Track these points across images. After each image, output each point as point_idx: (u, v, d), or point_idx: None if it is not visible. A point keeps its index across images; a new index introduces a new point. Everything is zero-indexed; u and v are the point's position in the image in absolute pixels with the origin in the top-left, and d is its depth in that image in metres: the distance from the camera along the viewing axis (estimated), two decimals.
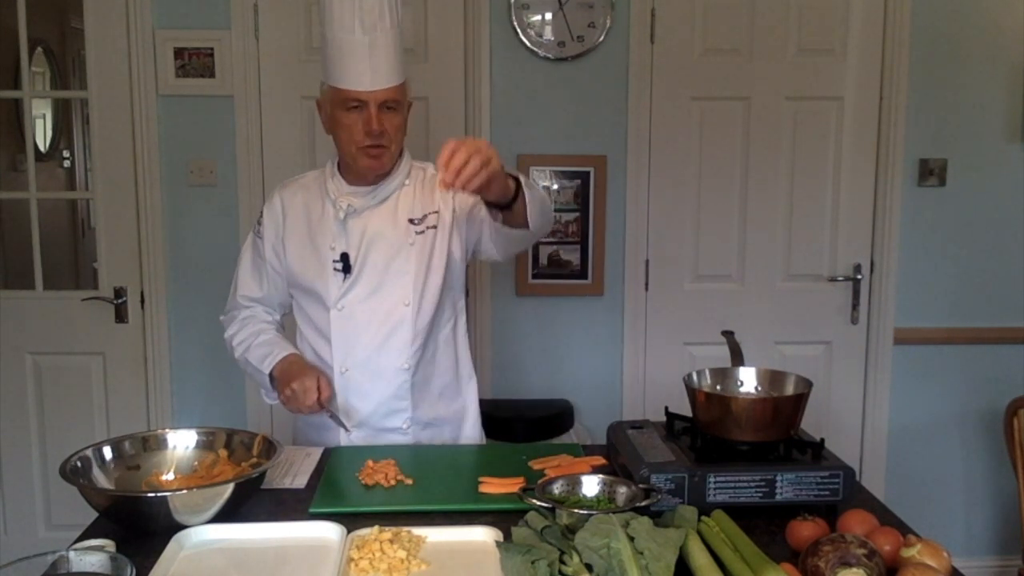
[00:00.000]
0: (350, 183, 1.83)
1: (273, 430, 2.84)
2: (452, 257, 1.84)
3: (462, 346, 1.93)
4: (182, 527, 1.32)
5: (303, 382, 1.71)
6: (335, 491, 1.52)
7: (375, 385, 1.81)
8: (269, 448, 1.52)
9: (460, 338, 1.92)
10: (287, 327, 1.96)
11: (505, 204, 1.62)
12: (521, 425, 2.66)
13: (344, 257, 1.79)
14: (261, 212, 1.91)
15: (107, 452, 1.51)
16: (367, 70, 1.69)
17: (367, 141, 1.73)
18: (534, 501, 1.30)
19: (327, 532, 1.33)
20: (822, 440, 1.49)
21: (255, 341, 1.87)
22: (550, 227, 1.78)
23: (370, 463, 1.61)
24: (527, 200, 1.59)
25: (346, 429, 1.78)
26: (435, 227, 1.82)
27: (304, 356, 1.86)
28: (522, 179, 1.62)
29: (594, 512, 1.23)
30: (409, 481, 1.55)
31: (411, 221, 1.81)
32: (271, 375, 1.80)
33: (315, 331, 1.85)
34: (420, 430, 1.85)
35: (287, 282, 1.88)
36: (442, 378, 1.88)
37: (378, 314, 1.79)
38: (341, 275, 1.80)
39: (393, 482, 1.54)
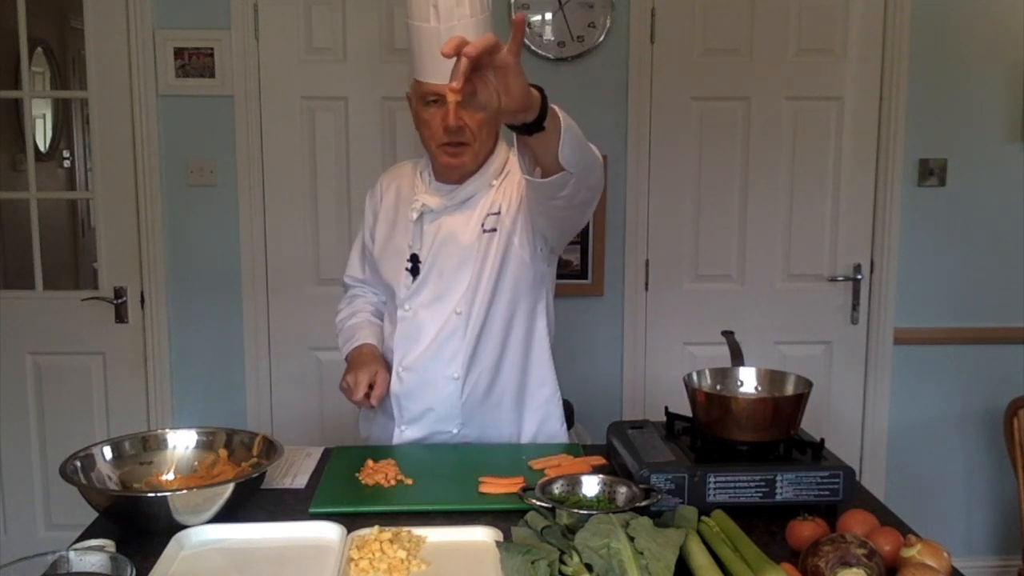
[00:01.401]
0: (438, 179, 1.78)
1: (273, 430, 2.84)
2: (515, 260, 1.72)
3: (538, 351, 1.81)
4: (182, 527, 1.32)
5: (356, 375, 1.72)
6: (335, 491, 1.51)
7: (426, 391, 1.77)
8: (269, 448, 1.52)
9: (536, 343, 1.80)
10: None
11: (529, 127, 1.34)
12: None
13: (414, 258, 1.76)
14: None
15: (107, 452, 1.51)
16: (443, 61, 1.55)
17: (446, 138, 1.66)
18: (534, 501, 1.30)
19: (327, 532, 1.33)
20: (822, 440, 1.48)
21: (347, 323, 1.91)
22: (596, 173, 1.51)
23: (370, 463, 1.61)
24: (552, 121, 1.34)
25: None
26: (494, 230, 1.71)
27: (382, 346, 1.86)
28: (553, 108, 1.35)
29: (594, 512, 1.23)
30: (409, 481, 1.55)
31: (483, 227, 1.72)
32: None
33: (390, 322, 1.85)
34: (475, 433, 1.80)
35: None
36: (504, 386, 1.79)
37: (437, 321, 1.75)
38: (410, 277, 1.76)
39: (393, 482, 1.55)
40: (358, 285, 1.98)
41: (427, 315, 1.76)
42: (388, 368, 1.80)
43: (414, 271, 1.76)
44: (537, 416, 1.83)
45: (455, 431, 1.80)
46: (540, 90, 1.30)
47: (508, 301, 1.74)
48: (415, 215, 1.75)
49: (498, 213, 1.72)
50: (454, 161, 1.70)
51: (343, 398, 1.81)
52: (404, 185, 1.84)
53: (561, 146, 1.35)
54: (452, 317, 1.73)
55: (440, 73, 1.54)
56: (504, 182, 1.75)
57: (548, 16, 2.78)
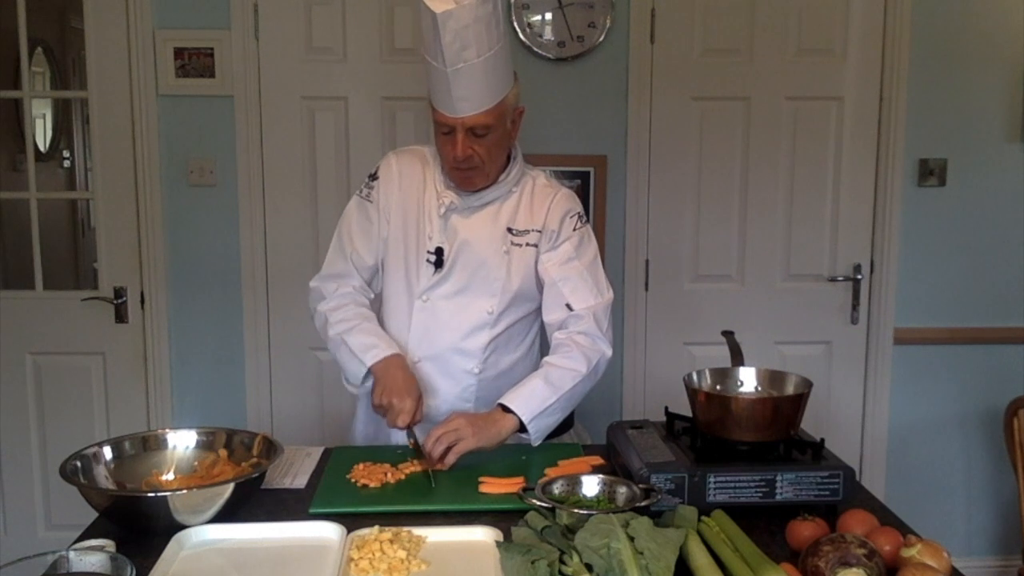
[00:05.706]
0: (450, 180, 1.80)
1: (273, 430, 2.84)
2: (539, 276, 1.82)
3: (535, 359, 1.92)
4: (182, 527, 1.33)
5: (404, 402, 1.66)
6: (335, 491, 1.52)
7: (443, 382, 1.81)
8: (269, 448, 1.53)
9: (537, 351, 1.92)
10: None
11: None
12: None
13: (439, 251, 1.78)
14: (371, 175, 1.86)
15: (107, 452, 1.51)
16: (450, 100, 1.64)
17: (455, 164, 1.72)
18: (534, 501, 1.30)
19: (327, 532, 1.33)
20: (822, 440, 1.49)
21: (360, 325, 1.80)
22: (593, 383, 1.85)
23: (359, 467, 1.61)
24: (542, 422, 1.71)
25: (429, 479, 1.58)
26: (535, 245, 1.80)
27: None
28: (528, 420, 1.68)
29: (594, 512, 1.23)
30: (402, 475, 1.57)
31: (509, 230, 1.79)
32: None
33: (391, 308, 1.84)
34: None
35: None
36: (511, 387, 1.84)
37: (460, 314, 1.79)
38: (431, 268, 1.78)
39: (393, 480, 1.55)
40: (353, 274, 1.86)
41: (447, 307, 1.79)
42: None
43: (438, 263, 1.78)
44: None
45: None
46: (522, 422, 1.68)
47: (530, 309, 1.84)
48: (443, 210, 1.77)
49: (540, 231, 1.79)
50: (465, 183, 1.76)
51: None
52: (427, 174, 1.83)
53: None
54: (482, 314, 1.78)
55: (447, 108, 1.66)
56: (533, 202, 1.80)
57: (548, 16, 2.78)
